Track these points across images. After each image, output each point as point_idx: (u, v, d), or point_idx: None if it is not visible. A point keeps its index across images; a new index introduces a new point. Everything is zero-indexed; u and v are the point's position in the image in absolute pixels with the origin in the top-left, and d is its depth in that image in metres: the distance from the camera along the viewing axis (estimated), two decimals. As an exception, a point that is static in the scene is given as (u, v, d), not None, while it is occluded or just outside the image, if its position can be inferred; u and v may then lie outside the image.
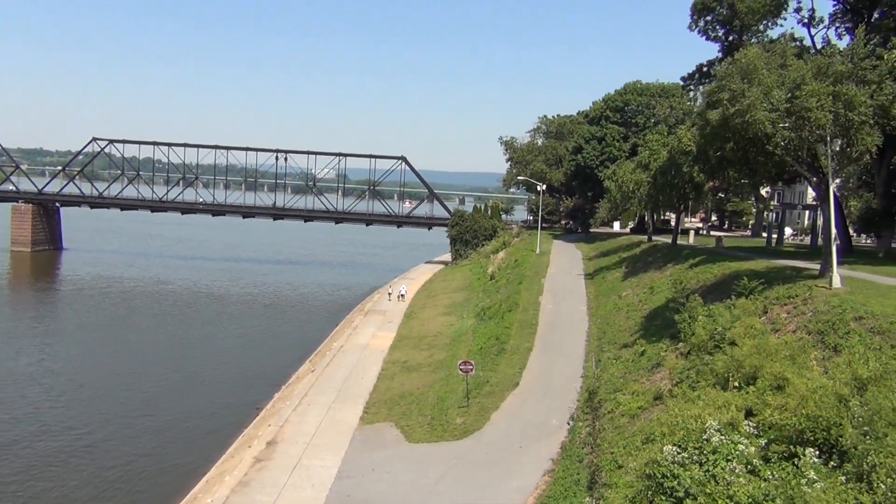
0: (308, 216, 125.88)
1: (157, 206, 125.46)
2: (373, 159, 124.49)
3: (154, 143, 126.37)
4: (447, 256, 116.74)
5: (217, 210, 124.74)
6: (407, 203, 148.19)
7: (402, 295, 77.62)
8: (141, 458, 37.83)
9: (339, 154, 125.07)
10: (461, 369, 39.10)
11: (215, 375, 52.75)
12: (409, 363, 50.15)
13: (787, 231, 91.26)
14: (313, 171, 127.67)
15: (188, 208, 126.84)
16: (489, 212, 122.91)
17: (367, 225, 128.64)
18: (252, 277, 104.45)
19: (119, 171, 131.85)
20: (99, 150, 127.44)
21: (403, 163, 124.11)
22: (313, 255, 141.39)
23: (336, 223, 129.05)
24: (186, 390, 49.12)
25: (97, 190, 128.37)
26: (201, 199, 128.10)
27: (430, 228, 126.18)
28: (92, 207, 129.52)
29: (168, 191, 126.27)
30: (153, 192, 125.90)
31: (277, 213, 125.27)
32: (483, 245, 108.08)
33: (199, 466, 35.36)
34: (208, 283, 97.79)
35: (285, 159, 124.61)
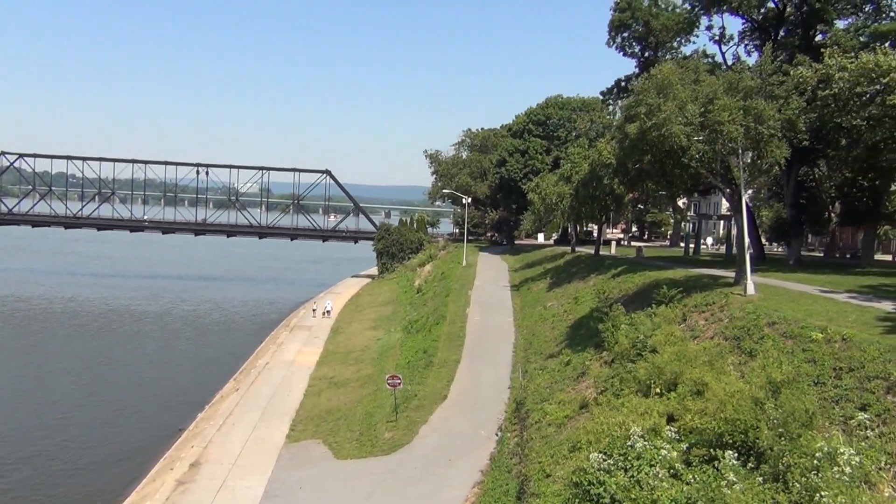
0: (231, 231, 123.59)
1: (72, 223, 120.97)
2: (297, 173, 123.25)
3: (68, 158, 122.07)
4: (374, 270, 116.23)
5: (135, 226, 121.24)
6: (332, 217, 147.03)
7: (328, 311, 76.25)
8: (54, 487, 36.19)
9: (263, 168, 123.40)
10: (389, 383, 38.92)
11: (134, 398, 50.82)
12: (336, 379, 49.63)
13: (709, 241, 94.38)
14: (236, 185, 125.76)
15: (105, 224, 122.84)
16: (415, 225, 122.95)
17: (292, 239, 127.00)
18: (172, 295, 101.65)
19: (30, 187, 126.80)
20: (8, 164, 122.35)
21: (328, 176, 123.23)
22: (237, 271, 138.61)
23: (260, 238, 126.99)
24: (102, 415, 47.05)
25: (6, 206, 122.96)
26: (118, 215, 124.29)
27: (356, 242, 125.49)
28: (1, 224, 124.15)
29: (83, 206, 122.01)
30: (67, 208, 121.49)
31: (199, 229, 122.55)
32: (410, 258, 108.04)
33: (119, 492, 34.12)
34: (125, 301, 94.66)
35: (206, 173, 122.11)
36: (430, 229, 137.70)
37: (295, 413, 42.30)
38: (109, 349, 66.43)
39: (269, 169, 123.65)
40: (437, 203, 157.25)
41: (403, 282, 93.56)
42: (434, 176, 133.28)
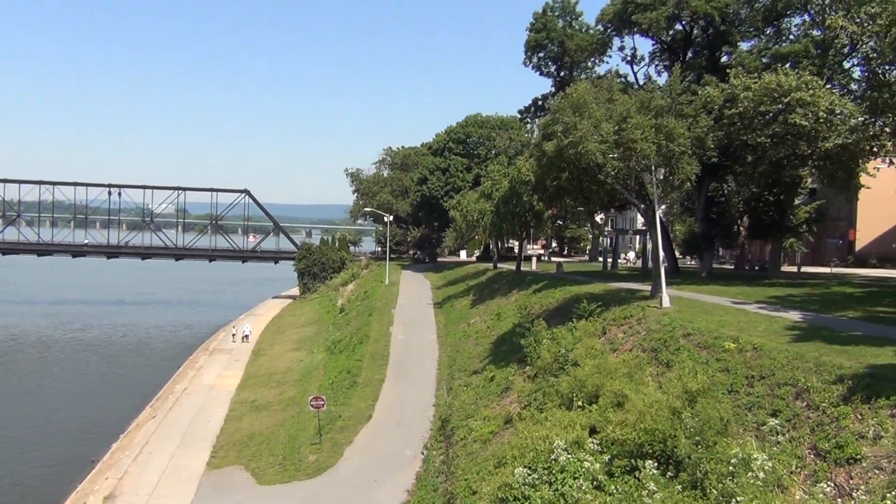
0: (145, 253, 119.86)
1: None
2: (214, 193, 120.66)
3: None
4: (295, 290, 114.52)
5: (43, 249, 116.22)
6: (251, 237, 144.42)
7: (246, 336, 73.86)
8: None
9: (178, 188, 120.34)
10: (312, 405, 38.31)
11: (41, 432, 48.03)
12: (258, 402, 48.57)
13: (631, 255, 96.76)
14: (150, 206, 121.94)
15: (9, 248, 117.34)
16: (337, 244, 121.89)
17: (210, 261, 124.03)
18: (83, 321, 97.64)
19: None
20: None
21: (247, 196, 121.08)
22: (152, 294, 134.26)
23: (176, 260, 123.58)
24: (6, 449, 44.50)
25: None
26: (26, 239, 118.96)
27: (276, 262, 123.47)
28: None
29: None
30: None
31: (111, 252, 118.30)
32: (332, 278, 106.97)
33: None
34: (31, 329, 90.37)
35: (119, 194, 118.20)
36: (352, 248, 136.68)
37: (215, 439, 41.15)
38: (13, 380, 63.07)
39: (185, 189, 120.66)
40: (359, 221, 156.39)
41: (326, 302, 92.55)
42: (355, 194, 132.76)
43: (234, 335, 74.30)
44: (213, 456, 38.15)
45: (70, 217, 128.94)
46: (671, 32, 54.39)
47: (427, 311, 67.80)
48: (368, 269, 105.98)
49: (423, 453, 33.68)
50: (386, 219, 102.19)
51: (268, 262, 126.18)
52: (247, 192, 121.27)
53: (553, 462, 19.66)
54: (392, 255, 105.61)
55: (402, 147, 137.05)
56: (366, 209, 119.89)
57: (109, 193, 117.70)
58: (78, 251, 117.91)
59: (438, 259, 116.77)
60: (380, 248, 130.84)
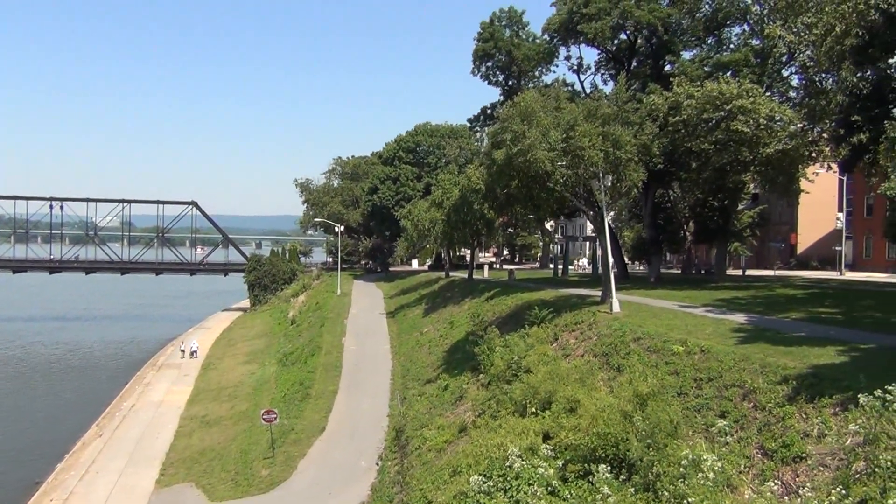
0: (90, 268, 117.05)
1: None
2: (161, 205, 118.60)
3: None
4: (246, 303, 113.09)
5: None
6: (200, 249, 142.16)
7: (194, 352, 71.86)
8: None
9: (123, 200, 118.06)
10: (265, 419, 37.79)
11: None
12: (208, 417, 47.75)
13: (584, 262, 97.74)
14: (94, 219, 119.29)
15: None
16: (287, 255, 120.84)
17: (157, 274, 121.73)
18: (25, 338, 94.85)
19: None
20: None
21: (194, 208, 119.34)
22: (97, 309, 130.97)
23: (122, 274, 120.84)
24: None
25: None
26: None
27: (225, 275, 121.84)
28: None
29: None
30: None
31: (54, 267, 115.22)
32: (283, 289, 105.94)
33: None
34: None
35: (61, 208, 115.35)
36: (302, 259, 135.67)
37: (165, 456, 40.32)
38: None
39: (130, 202, 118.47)
40: (310, 232, 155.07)
41: (277, 314, 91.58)
42: (305, 205, 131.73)
43: (182, 351, 72.56)
44: (163, 473, 37.39)
45: (10, 232, 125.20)
46: (616, 42, 55.27)
47: (380, 320, 67.55)
48: (320, 279, 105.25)
49: (377, 464, 33.49)
50: (337, 229, 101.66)
51: (217, 275, 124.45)
52: (194, 203, 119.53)
53: (508, 469, 19.72)
54: (344, 266, 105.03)
55: (352, 156, 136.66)
56: (316, 220, 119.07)
57: (51, 207, 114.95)
58: (19, 266, 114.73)
59: (390, 269, 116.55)
60: (331, 259, 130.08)
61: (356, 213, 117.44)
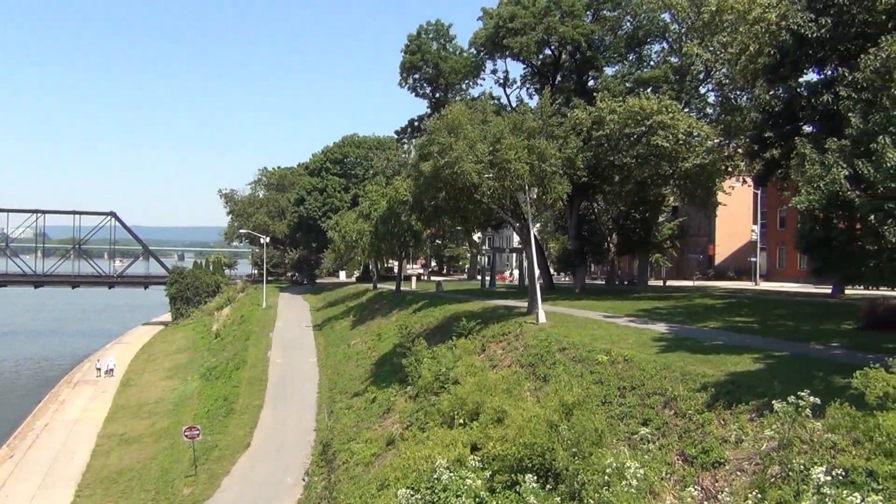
0: (1, 281, 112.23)
1: None
2: (78, 216, 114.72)
3: None
4: (167, 316, 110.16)
5: None
6: (119, 262, 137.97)
7: (110, 370, 68.55)
8: None
9: (37, 211, 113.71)
10: (187, 436, 36.75)
11: None
12: (127, 435, 46.21)
13: (516, 273, 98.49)
14: (5, 230, 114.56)
15: None
16: (211, 267, 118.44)
17: (74, 287, 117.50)
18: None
19: None
20: None
21: (113, 218, 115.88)
22: (8, 325, 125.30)
23: (35, 287, 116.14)
24: None
25: None
26: None
27: (146, 288, 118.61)
28: None
29: None
30: None
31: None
32: (206, 302, 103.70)
33: None
34: None
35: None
36: (227, 271, 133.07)
37: (81, 477, 38.82)
38: None
39: (44, 212, 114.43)
40: (234, 244, 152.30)
41: (200, 327, 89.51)
42: (230, 216, 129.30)
43: (97, 368, 69.26)
44: (79, 495, 36.02)
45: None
46: (541, 57, 56.24)
47: (306, 333, 66.75)
48: (245, 292, 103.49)
49: (304, 480, 32.98)
50: (262, 240, 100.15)
51: (137, 288, 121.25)
52: (113, 214, 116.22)
53: (435, 481, 19.69)
54: (269, 278, 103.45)
55: (278, 167, 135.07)
56: (241, 231, 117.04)
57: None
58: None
59: (317, 280, 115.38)
60: (256, 271, 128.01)
61: (282, 225, 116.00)
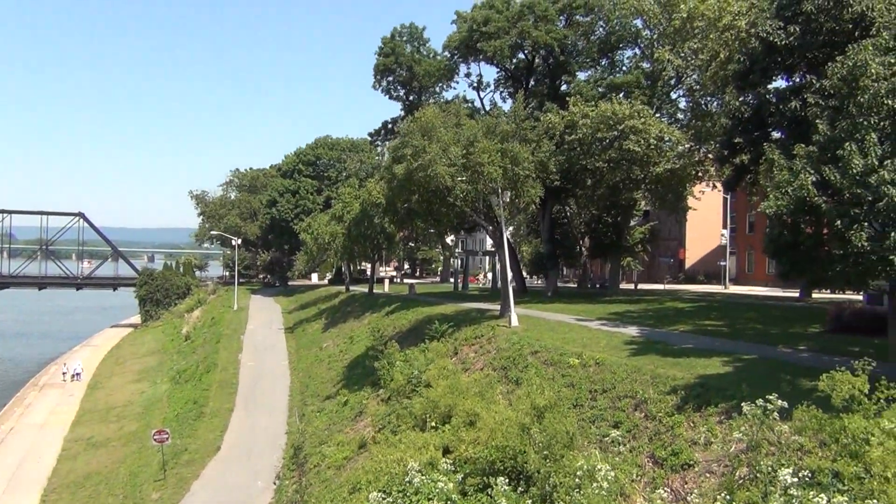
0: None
1: None
2: (45, 216, 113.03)
3: None
4: (136, 318, 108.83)
5: None
6: (87, 263, 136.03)
7: (77, 374, 66.74)
8: None
9: (4, 211, 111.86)
10: (156, 439, 36.29)
11: None
12: (95, 439, 45.54)
13: (490, 276, 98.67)
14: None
15: None
16: (181, 269, 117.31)
17: (41, 289, 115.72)
18: None
19: None
20: None
21: (82, 219, 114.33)
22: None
23: (1, 289, 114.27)
24: None
25: None
26: None
27: (115, 289, 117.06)
28: None
29: None
30: None
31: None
32: (176, 304, 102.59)
33: None
34: None
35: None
36: (197, 273, 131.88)
37: (47, 481, 38.16)
38: None
39: (11, 212, 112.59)
40: (205, 245, 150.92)
41: (170, 329, 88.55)
42: (201, 217, 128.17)
43: (63, 373, 67.57)
44: (44, 500, 35.45)
45: None
46: (514, 61, 56.50)
47: (278, 336, 66.31)
48: (216, 294, 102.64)
49: (275, 483, 32.72)
50: (234, 242, 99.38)
51: (105, 290, 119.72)
52: (81, 214, 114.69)
53: (407, 484, 19.65)
54: (241, 280, 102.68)
55: (251, 169, 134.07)
56: (212, 232, 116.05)
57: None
58: None
59: (289, 283, 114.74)
60: (228, 273, 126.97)
61: (254, 227, 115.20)
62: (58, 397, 59.50)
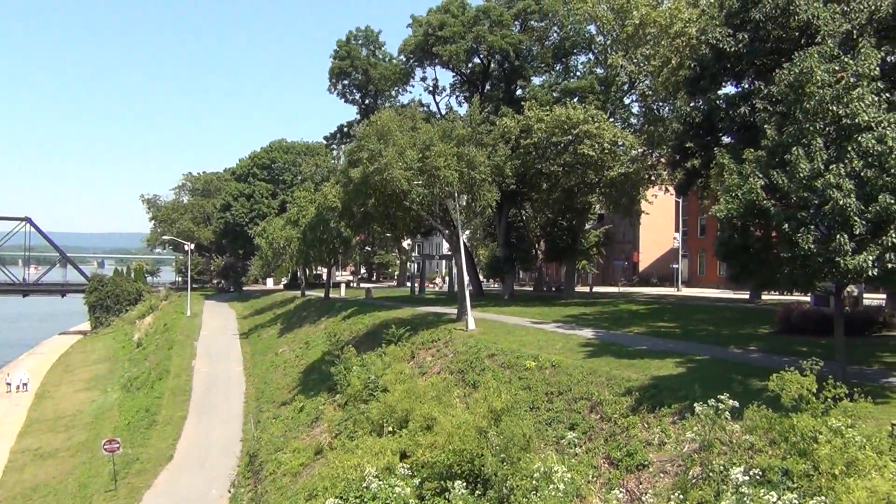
0: None
1: None
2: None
3: None
4: (86, 325, 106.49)
5: None
6: (34, 269, 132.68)
7: (25, 384, 64.53)
8: None
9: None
10: (106, 449, 35.50)
11: None
12: (42, 450, 44.39)
13: (447, 280, 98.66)
14: None
15: None
16: (133, 274, 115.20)
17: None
18: None
19: None
20: None
21: (28, 224, 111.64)
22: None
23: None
24: None
25: None
26: None
27: (63, 296, 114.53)
28: None
29: None
30: None
31: None
32: (127, 311, 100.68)
33: None
34: None
35: None
36: (149, 279, 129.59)
37: (-8, 494, 37.10)
38: None
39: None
40: (157, 251, 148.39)
41: (121, 336, 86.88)
42: (153, 222, 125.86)
43: (8, 384, 64.86)
44: (-10, 514, 34.41)
45: None
46: (470, 65, 56.74)
47: (232, 342, 65.50)
48: (168, 300, 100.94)
49: (230, 492, 32.26)
50: (187, 247, 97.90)
51: (54, 296, 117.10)
52: (28, 219, 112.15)
53: (364, 490, 19.56)
54: (194, 285, 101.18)
55: (204, 172, 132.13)
56: (164, 237, 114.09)
57: None
58: None
59: (244, 288, 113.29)
60: (180, 278, 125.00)
61: (208, 231, 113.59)
62: (3, 408, 57.84)
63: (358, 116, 72.13)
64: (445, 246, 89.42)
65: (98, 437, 42.45)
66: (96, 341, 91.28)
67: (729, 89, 30.80)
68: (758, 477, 13.09)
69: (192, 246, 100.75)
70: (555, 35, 55.69)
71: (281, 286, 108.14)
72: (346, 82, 71.34)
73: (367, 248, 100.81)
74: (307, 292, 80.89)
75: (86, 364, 75.30)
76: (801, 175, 15.64)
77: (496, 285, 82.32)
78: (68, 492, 35.97)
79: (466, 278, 37.65)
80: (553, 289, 71.74)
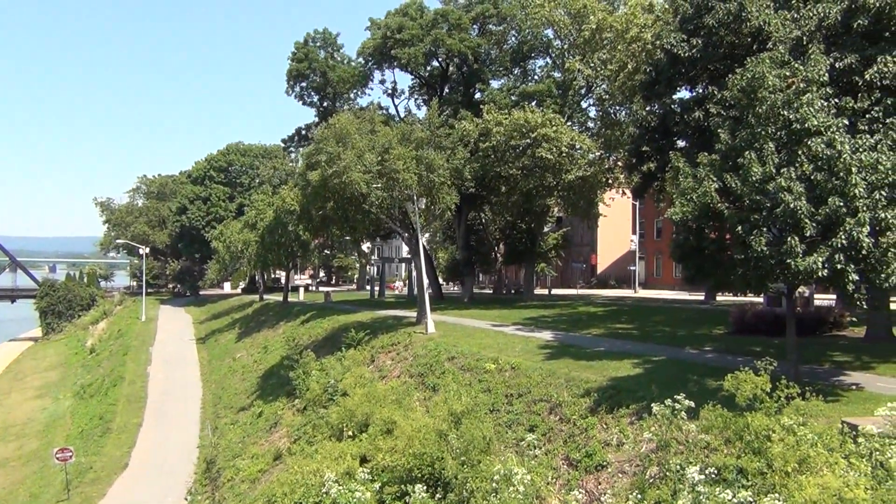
0: None
1: None
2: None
3: None
4: (37, 332, 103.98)
5: None
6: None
7: None
8: None
9: None
10: (58, 458, 34.68)
11: None
12: (-9, 460, 43.24)
13: (406, 283, 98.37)
14: None
15: None
16: (85, 279, 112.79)
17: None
18: None
19: None
20: None
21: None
22: None
23: None
24: None
25: None
26: None
27: (13, 301, 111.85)
28: None
29: None
30: None
31: None
32: (80, 316, 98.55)
33: None
34: None
35: None
36: (103, 283, 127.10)
37: (-63, 507, 36.00)
38: None
39: None
40: (111, 254, 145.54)
41: (74, 343, 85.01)
42: (106, 225, 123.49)
43: None
44: (-65, 527, 33.37)
45: None
46: (429, 68, 56.73)
47: (189, 347, 64.55)
48: (123, 305, 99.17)
49: (186, 499, 31.74)
50: (141, 251, 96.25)
51: (3, 302, 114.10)
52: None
53: (324, 495, 19.43)
54: (149, 290, 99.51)
55: (159, 175, 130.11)
56: (118, 241, 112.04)
57: None
58: None
59: (201, 292, 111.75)
60: (135, 283, 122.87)
61: (163, 234, 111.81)
62: (-50, 417, 56.20)
63: (316, 119, 71.47)
64: (405, 249, 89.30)
65: (50, 445, 41.51)
66: (48, 348, 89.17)
67: (684, 94, 31.26)
68: (713, 475, 13.30)
69: (147, 250, 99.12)
70: (513, 39, 56.00)
71: (238, 290, 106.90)
72: (303, 84, 70.64)
73: (326, 251, 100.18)
74: (265, 296, 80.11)
75: (37, 371, 73.52)
76: (754, 178, 15.93)
77: (456, 288, 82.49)
78: (19, 502, 35.09)
79: (426, 281, 37.66)
80: (512, 291, 72.09)
